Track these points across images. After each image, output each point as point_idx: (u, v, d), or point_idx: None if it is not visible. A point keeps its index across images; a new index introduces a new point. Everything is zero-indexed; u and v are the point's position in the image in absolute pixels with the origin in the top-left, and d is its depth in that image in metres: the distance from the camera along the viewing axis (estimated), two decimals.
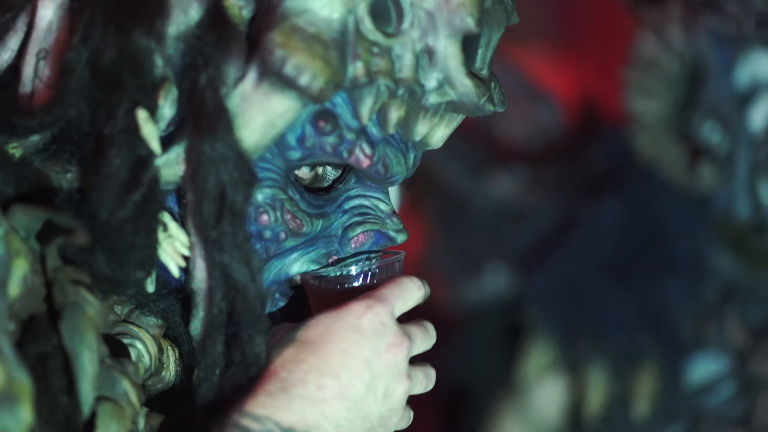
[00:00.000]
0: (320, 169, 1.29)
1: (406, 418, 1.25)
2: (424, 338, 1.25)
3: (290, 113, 1.20)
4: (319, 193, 1.28)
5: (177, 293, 1.25)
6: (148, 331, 1.23)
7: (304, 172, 1.28)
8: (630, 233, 2.50)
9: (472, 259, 2.80)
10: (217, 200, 1.18)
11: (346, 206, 1.29)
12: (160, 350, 1.24)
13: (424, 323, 1.25)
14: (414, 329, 1.23)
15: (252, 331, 1.20)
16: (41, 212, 1.14)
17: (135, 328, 1.23)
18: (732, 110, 2.32)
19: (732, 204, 2.34)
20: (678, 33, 2.35)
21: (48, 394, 1.12)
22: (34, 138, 1.20)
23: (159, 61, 1.18)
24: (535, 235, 2.69)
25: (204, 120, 1.17)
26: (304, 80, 1.17)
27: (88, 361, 1.13)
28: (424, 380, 1.25)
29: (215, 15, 1.18)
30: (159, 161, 1.19)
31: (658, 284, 2.44)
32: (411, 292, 1.24)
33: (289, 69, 1.17)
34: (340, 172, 1.29)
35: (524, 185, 2.73)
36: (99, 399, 1.16)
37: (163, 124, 1.19)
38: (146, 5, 1.18)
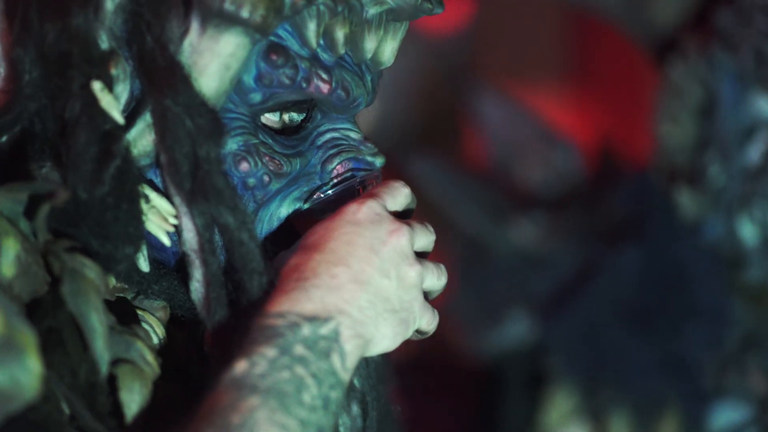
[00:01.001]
0: (286, 117, 1.30)
1: (430, 312, 1.25)
2: (423, 230, 1.26)
3: (240, 50, 1.22)
4: (289, 135, 1.30)
5: (177, 273, 1.26)
6: (153, 314, 1.24)
7: (272, 121, 1.29)
8: (651, 280, 2.50)
9: (492, 306, 2.80)
10: (189, 153, 1.20)
11: (319, 142, 1.30)
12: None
13: (422, 221, 1.27)
14: (411, 221, 1.25)
15: (252, 274, 1.21)
16: (20, 189, 1.16)
17: (140, 312, 1.24)
18: (734, 144, 2.35)
19: (718, 235, 2.38)
20: (702, 62, 2.37)
21: (66, 361, 1.13)
22: (2, 139, 1.22)
23: (103, 36, 1.20)
24: (556, 281, 2.69)
25: (160, 79, 1.20)
26: (245, 12, 1.20)
27: (96, 321, 1.15)
28: (436, 269, 1.26)
29: None
30: (130, 135, 1.21)
31: (679, 332, 2.43)
32: (398, 189, 1.26)
33: (227, 5, 1.19)
34: (304, 115, 1.31)
35: (544, 232, 2.74)
36: (116, 362, 1.17)
37: (123, 98, 1.21)
38: (72, 4, 1.20)
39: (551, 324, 2.61)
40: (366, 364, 1.31)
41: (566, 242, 2.70)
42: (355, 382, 1.30)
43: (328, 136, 1.31)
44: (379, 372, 1.35)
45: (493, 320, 2.79)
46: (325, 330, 1.17)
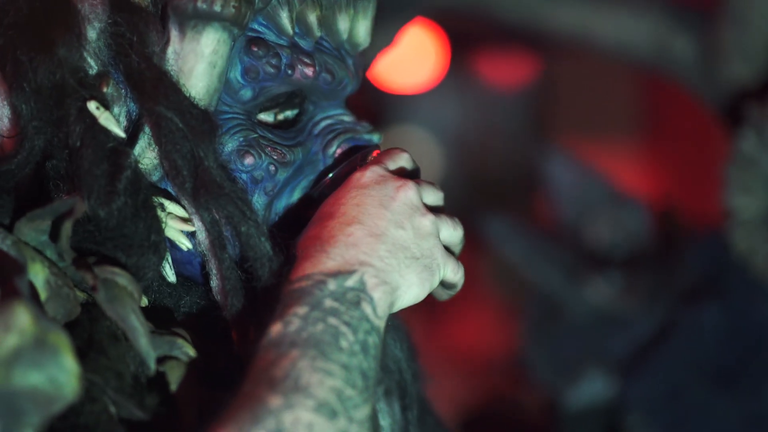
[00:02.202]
0: (281, 117, 1.35)
1: (454, 261, 1.27)
2: (429, 185, 1.30)
3: (222, 46, 1.26)
4: (286, 129, 1.34)
5: (205, 285, 1.29)
6: (185, 337, 1.26)
7: (268, 121, 1.34)
8: (732, 339, 2.48)
9: (568, 365, 2.80)
10: (187, 154, 1.24)
11: (316, 131, 1.34)
12: None
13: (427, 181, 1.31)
14: (416, 180, 1.29)
15: (262, 261, 1.24)
16: (41, 216, 1.19)
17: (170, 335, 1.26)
18: None
19: None
20: None
21: (110, 365, 1.16)
22: (19, 176, 1.26)
23: (90, 61, 1.25)
24: (632, 340, 2.68)
25: (149, 90, 1.24)
26: (217, 7, 1.25)
27: (136, 321, 1.17)
28: (450, 220, 1.29)
29: (122, 5, 1.26)
30: (135, 151, 1.25)
31: (760, 391, 2.41)
32: (397, 152, 1.31)
33: (200, 3, 1.25)
34: (297, 111, 1.35)
35: (619, 291, 2.74)
36: (162, 360, 1.20)
37: (122, 116, 1.26)
38: (58, 24, 1.25)
39: (630, 383, 2.60)
40: (405, 363, 1.35)
41: (641, 301, 2.71)
42: (394, 379, 1.32)
43: (323, 124, 1.35)
44: (417, 370, 1.38)
45: (568, 379, 2.79)
46: (350, 282, 1.19)
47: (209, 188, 1.24)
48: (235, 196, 1.24)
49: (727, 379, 2.45)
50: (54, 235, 1.20)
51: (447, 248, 1.29)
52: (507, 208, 4.41)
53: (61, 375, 1.06)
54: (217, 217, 1.24)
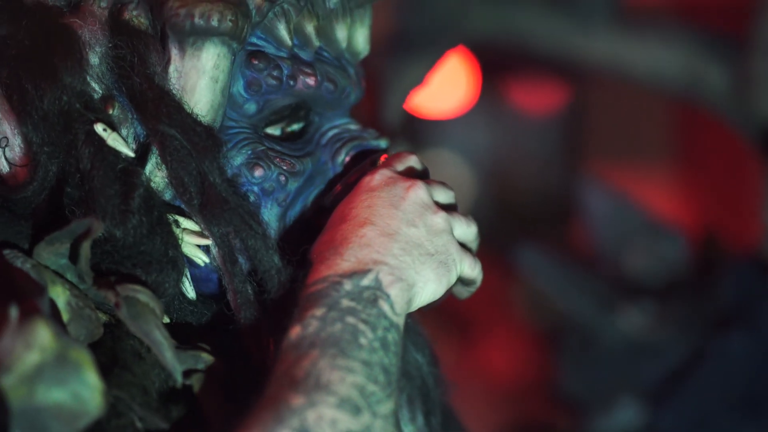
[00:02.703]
0: (288, 130, 1.36)
1: (470, 257, 1.28)
2: (439, 185, 1.30)
3: (222, 60, 1.27)
4: (293, 141, 1.35)
5: (224, 301, 1.29)
6: (208, 351, 1.27)
7: (275, 134, 1.34)
8: (761, 367, 2.49)
9: (601, 393, 2.80)
10: (193, 171, 1.25)
11: (323, 141, 1.35)
12: None
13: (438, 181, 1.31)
14: (427, 180, 1.29)
15: (270, 273, 1.25)
16: (59, 239, 1.20)
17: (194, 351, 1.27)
18: None
19: None
20: None
21: (135, 381, 1.17)
22: (36, 202, 1.27)
23: (94, 85, 1.27)
24: (664, 368, 2.68)
25: (153, 110, 1.25)
26: (215, 22, 1.25)
27: (160, 335, 1.18)
28: (462, 217, 1.29)
29: (121, 29, 1.27)
30: (146, 171, 1.26)
31: None
32: (404, 155, 1.32)
33: (197, 20, 1.25)
34: (303, 124, 1.36)
35: (652, 319, 2.74)
36: (188, 374, 1.20)
37: (130, 138, 1.27)
38: (61, 52, 1.26)
39: (661, 411, 2.61)
40: (426, 368, 1.34)
41: (674, 329, 2.71)
42: (416, 385, 1.32)
43: (330, 133, 1.36)
44: (439, 376, 1.37)
45: (602, 407, 2.79)
46: (366, 281, 1.19)
47: (215, 204, 1.25)
48: (241, 210, 1.25)
49: (756, 406, 2.45)
50: (73, 257, 1.20)
51: (463, 245, 1.30)
52: (539, 234, 4.41)
53: (85, 391, 1.06)
54: (226, 231, 1.26)
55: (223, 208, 1.25)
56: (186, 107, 1.26)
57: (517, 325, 3.97)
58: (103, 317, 1.21)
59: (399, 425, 1.20)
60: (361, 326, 1.17)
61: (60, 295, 1.17)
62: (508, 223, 4.59)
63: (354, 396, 1.12)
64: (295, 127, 1.37)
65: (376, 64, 2.57)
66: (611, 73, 2.71)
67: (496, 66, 4.64)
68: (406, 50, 2.77)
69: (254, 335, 1.26)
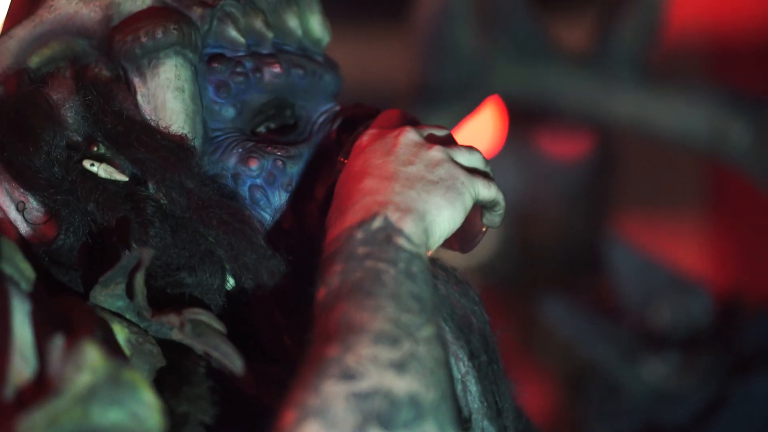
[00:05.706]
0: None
1: (481, 178, 1.27)
2: (430, 126, 1.30)
3: (182, 70, 1.31)
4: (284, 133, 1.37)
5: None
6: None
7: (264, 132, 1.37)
8: None
9: None
10: (175, 182, 1.28)
11: (316, 128, 1.37)
12: None
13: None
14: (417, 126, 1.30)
15: (261, 258, 1.27)
16: (113, 280, 1.22)
17: None
18: None
19: None
20: None
21: (203, 394, 1.18)
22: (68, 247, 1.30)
23: (73, 136, 1.31)
24: (687, 415, 2.70)
25: (128, 140, 1.29)
26: (159, 35, 1.30)
27: (227, 347, 1.19)
28: (462, 147, 1.29)
29: (85, 84, 1.32)
30: (149, 189, 1.30)
31: None
32: (388, 111, 1.32)
33: (143, 39, 1.30)
34: (292, 123, 1.38)
35: (675, 370, 2.76)
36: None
37: (127, 168, 1.30)
38: (36, 118, 1.31)
39: None
40: (480, 314, 1.34)
41: (697, 379, 2.72)
42: (474, 338, 1.33)
43: (320, 120, 1.37)
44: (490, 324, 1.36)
45: None
46: (375, 224, 1.20)
47: (196, 209, 1.28)
48: (218, 208, 1.28)
49: None
50: (129, 291, 1.22)
51: (474, 171, 1.29)
52: (564, 281, 4.42)
53: (142, 410, 1.05)
54: (215, 233, 1.28)
55: (203, 210, 1.28)
56: (156, 127, 1.30)
57: (541, 372, 3.98)
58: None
59: (447, 345, 1.21)
60: (381, 265, 1.17)
61: (119, 332, 1.19)
62: (533, 269, 4.60)
63: (388, 329, 1.12)
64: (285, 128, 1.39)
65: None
66: (637, 132, 2.73)
67: (525, 112, 4.67)
68: (431, 102, 2.81)
69: (270, 326, 1.28)
